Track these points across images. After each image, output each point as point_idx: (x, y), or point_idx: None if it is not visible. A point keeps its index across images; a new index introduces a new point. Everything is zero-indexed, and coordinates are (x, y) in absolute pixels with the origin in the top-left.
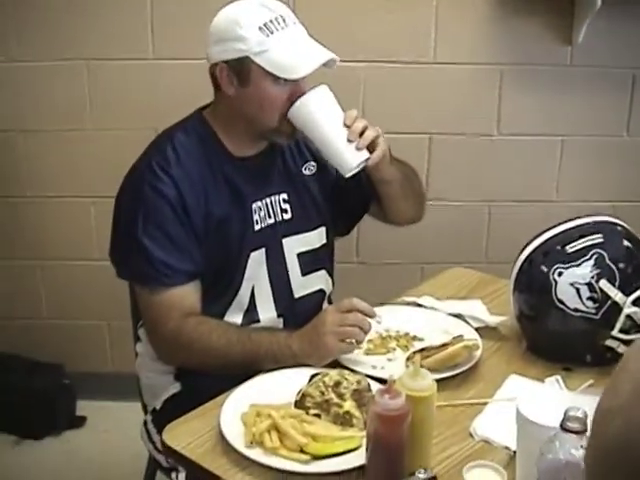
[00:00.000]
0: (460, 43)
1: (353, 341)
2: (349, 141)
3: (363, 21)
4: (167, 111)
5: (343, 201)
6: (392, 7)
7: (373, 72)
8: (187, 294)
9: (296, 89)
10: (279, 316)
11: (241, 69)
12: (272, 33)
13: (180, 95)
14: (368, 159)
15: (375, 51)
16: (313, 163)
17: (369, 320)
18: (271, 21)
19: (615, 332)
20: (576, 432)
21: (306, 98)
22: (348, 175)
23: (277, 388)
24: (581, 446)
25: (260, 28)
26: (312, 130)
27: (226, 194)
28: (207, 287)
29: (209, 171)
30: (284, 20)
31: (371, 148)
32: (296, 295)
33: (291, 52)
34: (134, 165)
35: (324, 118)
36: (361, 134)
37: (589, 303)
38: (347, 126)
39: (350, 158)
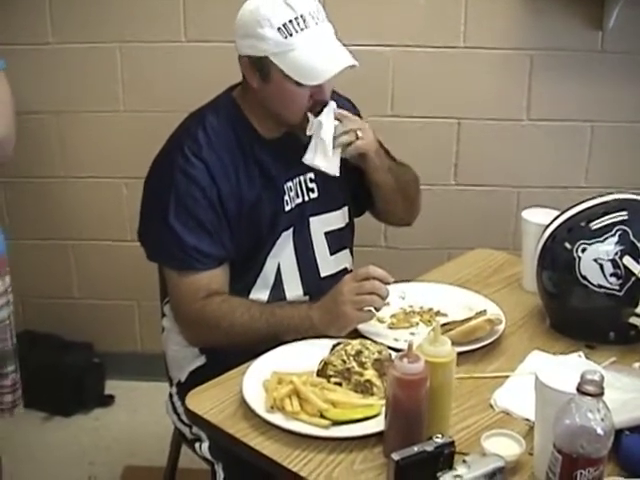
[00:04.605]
0: (490, 28)
1: (372, 309)
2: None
3: (393, 5)
4: (199, 94)
5: (362, 183)
6: None
7: (402, 56)
8: (215, 277)
9: (317, 89)
10: (305, 294)
11: (262, 66)
12: (291, 35)
13: (212, 78)
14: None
15: (405, 35)
16: None
17: (386, 287)
18: (290, 21)
19: (639, 309)
20: (592, 395)
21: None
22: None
23: (299, 357)
24: (597, 409)
25: (279, 29)
26: None
27: (257, 176)
28: (234, 264)
29: (240, 153)
30: (304, 20)
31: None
32: (322, 274)
33: (310, 56)
34: (164, 148)
35: None
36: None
37: (612, 279)
38: None
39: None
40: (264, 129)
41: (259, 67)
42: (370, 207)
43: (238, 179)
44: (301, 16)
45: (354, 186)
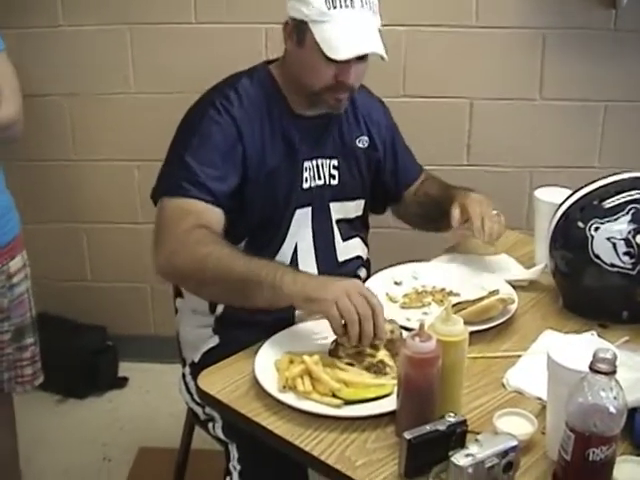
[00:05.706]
0: (503, 7)
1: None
2: None
3: None
4: (209, 76)
5: (382, 181)
6: None
7: (414, 36)
8: (209, 211)
9: (343, 70)
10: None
11: (300, 30)
12: (334, 7)
13: (222, 59)
14: None
15: (417, 15)
16: (366, 137)
17: (369, 327)
18: None
19: None
20: (605, 373)
21: None
22: None
23: (311, 337)
24: (610, 388)
25: None
26: None
27: (280, 147)
28: (252, 238)
29: (268, 122)
30: (352, 0)
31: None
32: (340, 259)
33: (341, 32)
34: (194, 104)
35: None
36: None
37: (625, 258)
38: None
39: None
40: (296, 104)
41: (297, 30)
42: (394, 207)
43: (263, 143)
44: None
45: (377, 186)
